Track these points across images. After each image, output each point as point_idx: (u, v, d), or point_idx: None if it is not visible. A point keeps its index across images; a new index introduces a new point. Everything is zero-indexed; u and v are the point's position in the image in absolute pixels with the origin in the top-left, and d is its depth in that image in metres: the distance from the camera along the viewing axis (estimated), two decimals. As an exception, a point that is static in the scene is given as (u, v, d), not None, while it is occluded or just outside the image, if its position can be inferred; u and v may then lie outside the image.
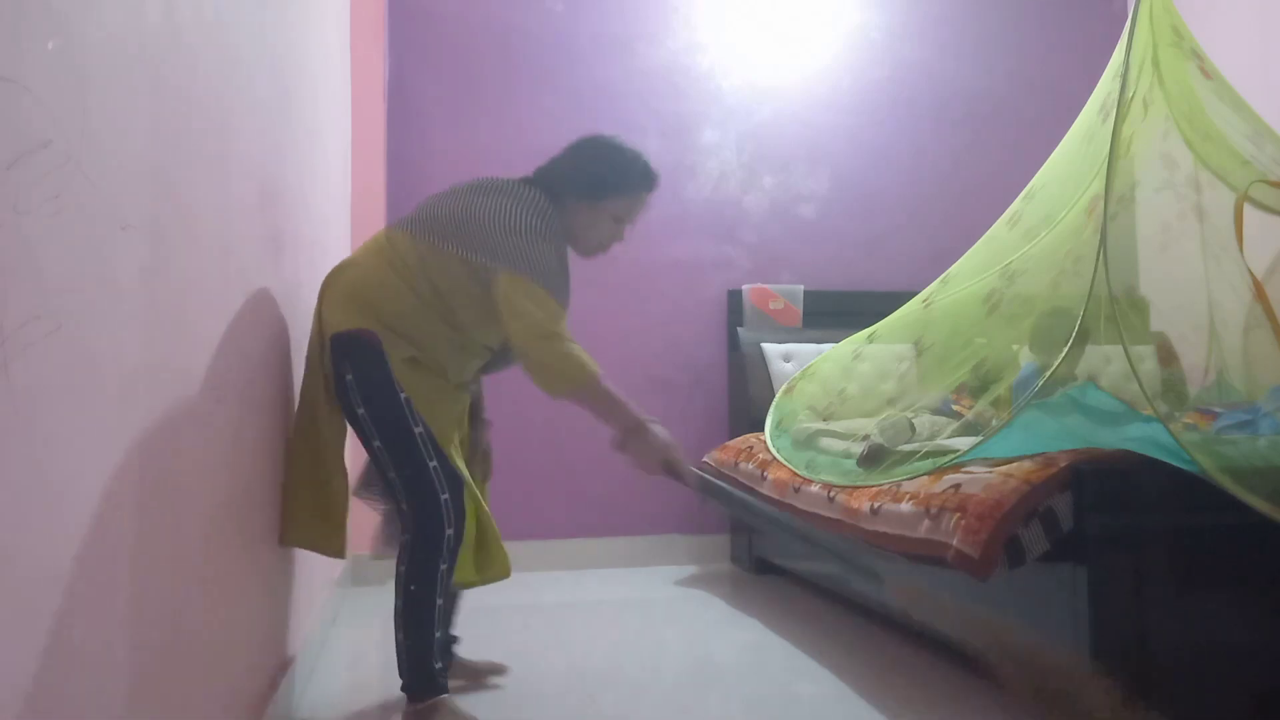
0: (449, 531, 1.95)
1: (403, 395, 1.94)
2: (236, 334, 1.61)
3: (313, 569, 2.56)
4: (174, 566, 1.25)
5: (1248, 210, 2.59)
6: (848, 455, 2.64)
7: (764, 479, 3.01)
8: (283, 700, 1.98)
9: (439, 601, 1.96)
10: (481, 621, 2.54)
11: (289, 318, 2.13)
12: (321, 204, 2.75)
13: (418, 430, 1.94)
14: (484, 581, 2.20)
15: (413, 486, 1.95)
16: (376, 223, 3.67)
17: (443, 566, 1.95)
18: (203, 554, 1.41)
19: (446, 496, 1.95)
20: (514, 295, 1.93)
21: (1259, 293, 2.52)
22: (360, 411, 1.95)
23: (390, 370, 1.93)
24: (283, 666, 2.05)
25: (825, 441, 2.90)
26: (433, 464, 1.94)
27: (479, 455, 2.28)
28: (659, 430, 2.01)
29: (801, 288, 4.04)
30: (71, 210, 0.91)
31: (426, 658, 1.96)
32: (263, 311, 1.85)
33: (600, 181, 2.06)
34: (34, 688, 0.84)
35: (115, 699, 1.04)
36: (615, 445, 2.02)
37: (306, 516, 2.00)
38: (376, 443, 1.96)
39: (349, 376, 1.95)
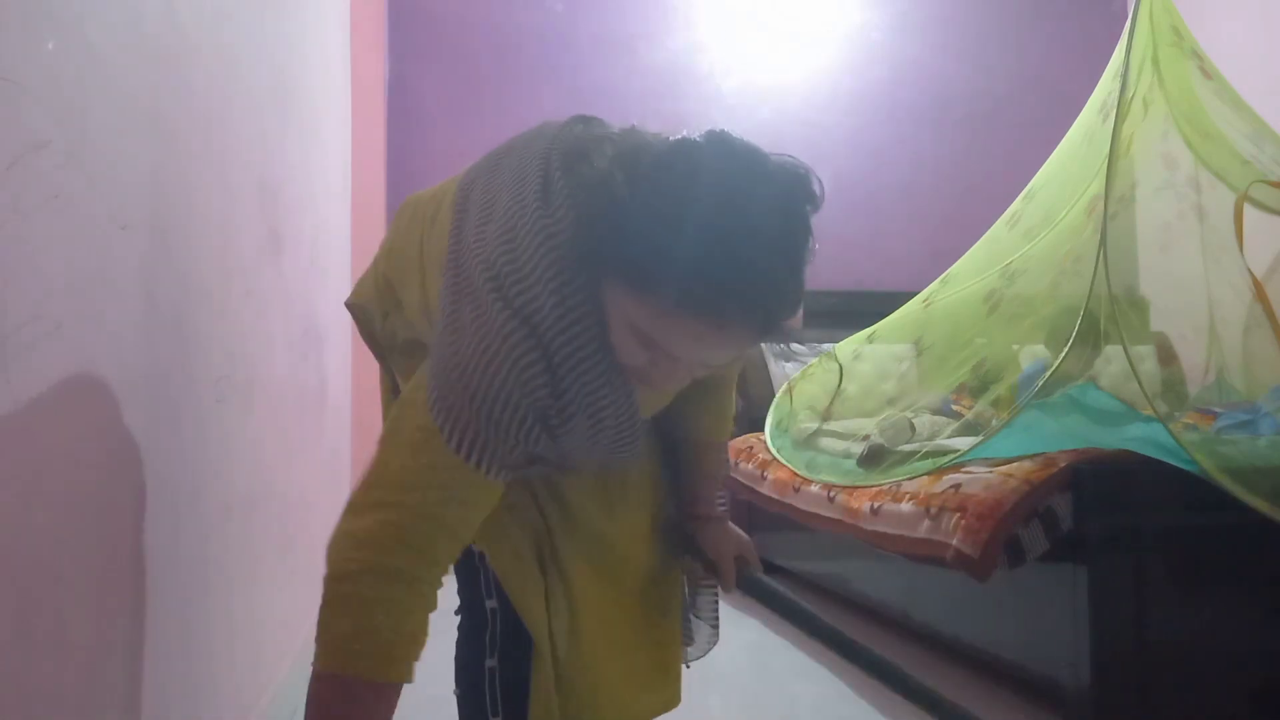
0: (489, 664, 1.19)
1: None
2: (236, 334, 1.61)
3: (314, 568, 2.56)
4: (174, 566, 1.25)
5: (1248, 210, 2.59)
6: (848, 455, 2.63)
7: (764, 479, 3.01)
8: (283, 700, 1.98)
9: None
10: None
11: (288, 316, 2.13)
12: (321, 204, 2.75)
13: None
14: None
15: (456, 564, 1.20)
16: (376, 223, 3.67)
17: None
18: (203, 553, 1.41)
19: (494, 604, 1.19)
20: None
21: (1259, 293, 2.52)
22: None
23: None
24: (283, 666, 2.05)
25: (825, 441, 2.90)
26: (478, 549, 1.18)
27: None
28: None
29: (801, 288, 4.03)
30: (71, 210, 0.91)
31: None
32: (263, 311, 1.85)
33: (613, 254, 0.92)
34: (34, 687, 0.84)
35: (115, 699, 1.04)
36: None
37: None
38: None
39: None
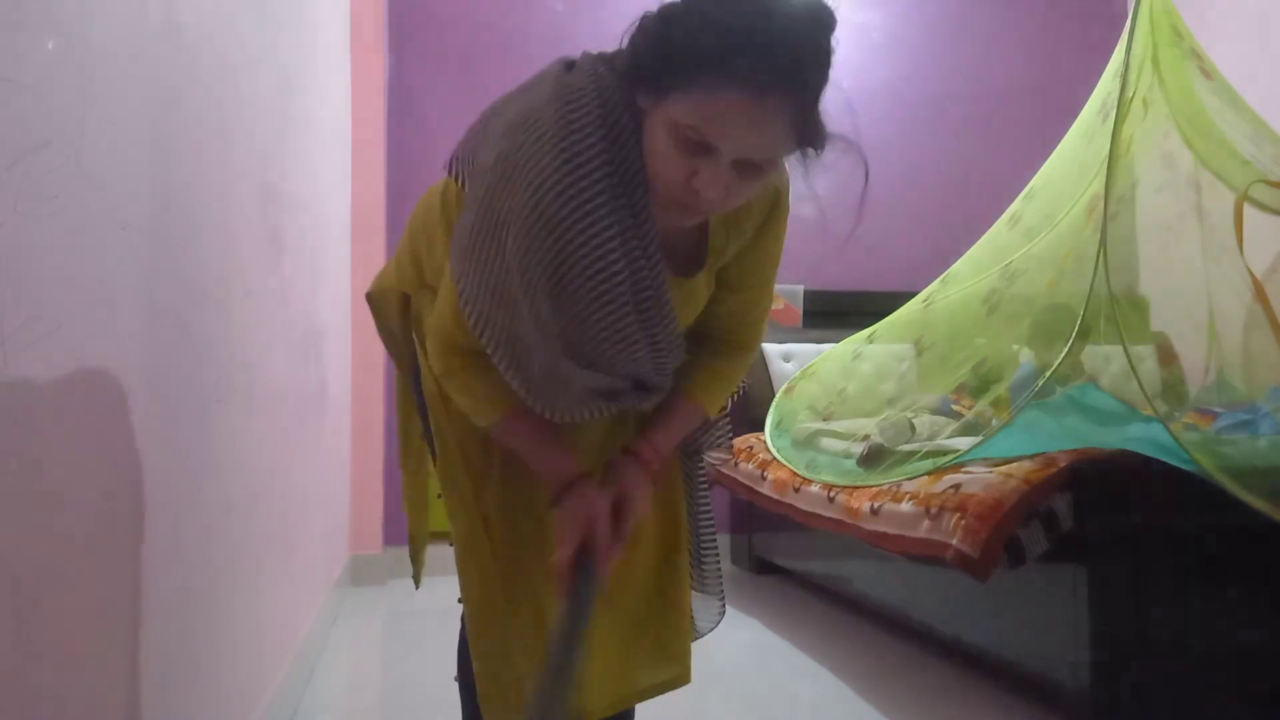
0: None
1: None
2: (236, 334, 1.61)
3: (313, 569, 2.56)
4: (174, 566, 1.25)
5: (1248, 210, 2.59)
6: (848, 455, 2.63)
7: (764, 479, 3.01)
8: (283, 700, 1.98)
9: None
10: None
11: (289, 317, 2.13)
12: (321, 204, 2.75)
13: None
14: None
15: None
16: (376, 223, 3.67)
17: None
18: (203, 553, 1.41)
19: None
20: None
21: (1259, 293, 2.53)
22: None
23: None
24: (283, 666, 2.05)
25: (825, 441, 2.90)
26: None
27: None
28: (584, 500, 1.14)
29: (801, 288, 4.04)
30: (71, 210, 0.91)
31: None
32: (263, 311, 1.85)
33: (656, 57, 1.02)
34: (34, 687, 0.84)
35: (115, 699, 1.04)
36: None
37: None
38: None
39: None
